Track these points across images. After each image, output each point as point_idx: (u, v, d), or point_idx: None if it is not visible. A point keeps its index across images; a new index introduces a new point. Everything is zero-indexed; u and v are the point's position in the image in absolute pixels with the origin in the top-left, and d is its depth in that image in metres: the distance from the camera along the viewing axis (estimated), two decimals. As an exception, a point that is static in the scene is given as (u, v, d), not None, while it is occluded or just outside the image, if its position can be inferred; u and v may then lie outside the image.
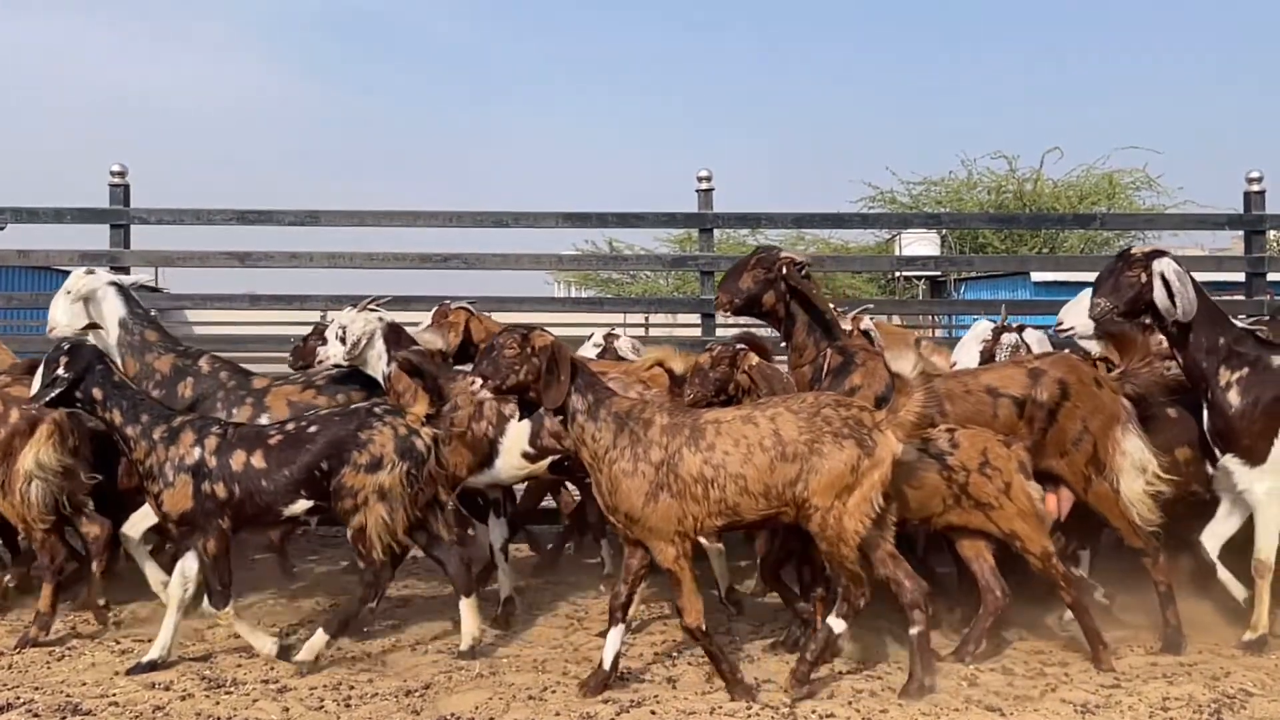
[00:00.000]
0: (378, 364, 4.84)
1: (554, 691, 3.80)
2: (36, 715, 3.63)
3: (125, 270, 7.57)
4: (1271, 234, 8.24)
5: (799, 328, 4.58)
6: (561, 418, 3.80)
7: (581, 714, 3.59)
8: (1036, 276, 18.10)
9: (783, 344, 4.79)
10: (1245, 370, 4.36)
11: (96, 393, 4.14)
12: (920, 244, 19.77)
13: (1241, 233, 8.11)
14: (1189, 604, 4.79)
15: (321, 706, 3.70)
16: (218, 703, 3.73)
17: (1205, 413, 4.46)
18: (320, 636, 4.09)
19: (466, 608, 4.32)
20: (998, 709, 3.64)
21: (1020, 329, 5.38)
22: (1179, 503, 4.63)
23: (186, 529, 4.11)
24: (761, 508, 3.68)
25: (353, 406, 4.37)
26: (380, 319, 4.90)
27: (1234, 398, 4.35)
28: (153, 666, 4.09)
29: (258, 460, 4.11)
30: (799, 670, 3.71)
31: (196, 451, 4.09)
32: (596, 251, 21.04)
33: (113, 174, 7.43)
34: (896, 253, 19.34)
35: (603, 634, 3.96)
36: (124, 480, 4.95)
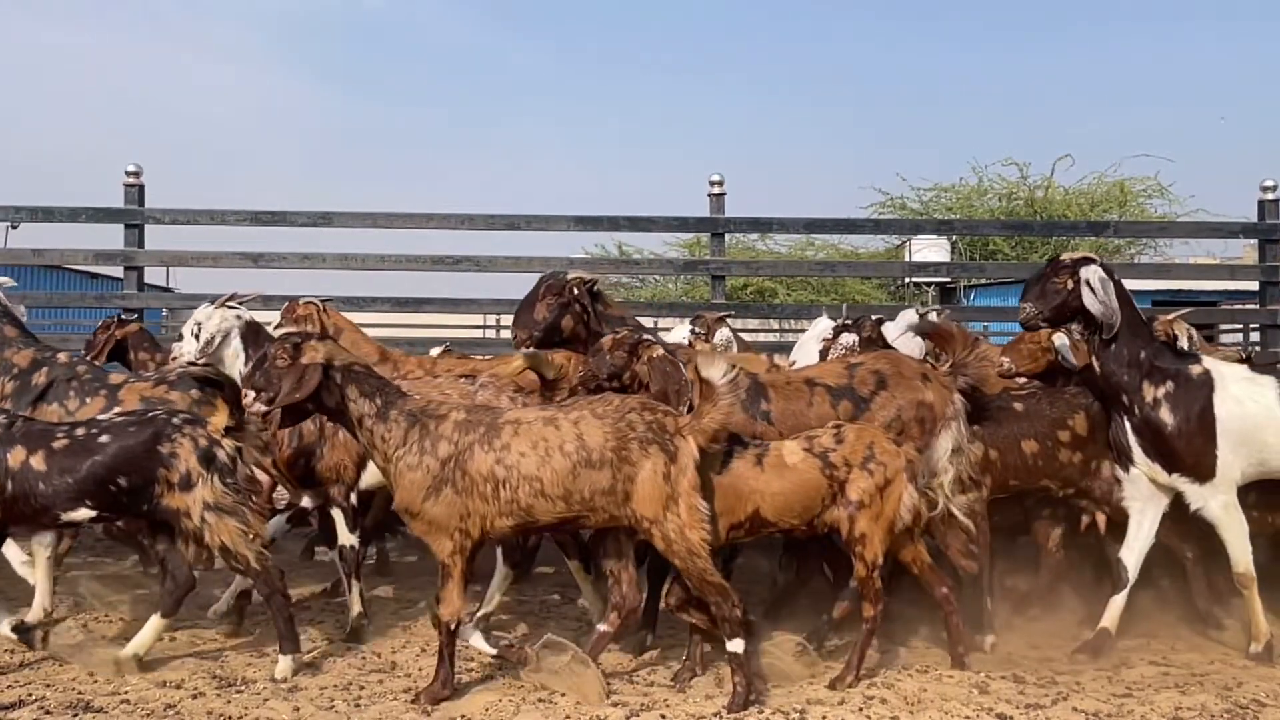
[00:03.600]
0: (234, 363, 4.61)
1: (564, 694, 3.80)
2: (48, 712, 3.64)
3: (139, 270, 7.64)
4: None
5: None
6: (340, 423, 3.78)
7: (592, 717, 3.59)
8: (1047, 284, 18.01)
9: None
10: (1170, 385, 4.31)
11: None
12: (930, 250, 19.76)
13: (1255, 241, 8.08)
14: (1187, 611, 4.78)
15: (332, 706, 3.70)
16: (229, 701, 3.74)
17: (1125, 425, 4.39)
18: (285, 661, 4.02)
19: (154, 626, 4.11)
20: (1009, 717, 3.63)
21: (880, 321, 5.43)
22: (1028, 496, 4.70)
23: None
24: (560, 511, 3.65)
25: (148, 414, 4.15)
26: (239, 317, 4.78)
27: (1166, 416, 4.29)
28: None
29: (38, 461, 3.93)
30: (732, 704, 3.63)
31: None
32: (606, 255, 21.09)
33: (128, 174, 7.48)
34: (906, 259, 19.32)
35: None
36: None
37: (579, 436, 3.63)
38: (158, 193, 7.68)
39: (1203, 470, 4.29)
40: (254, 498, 4.13)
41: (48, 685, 3.90)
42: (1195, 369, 4.36)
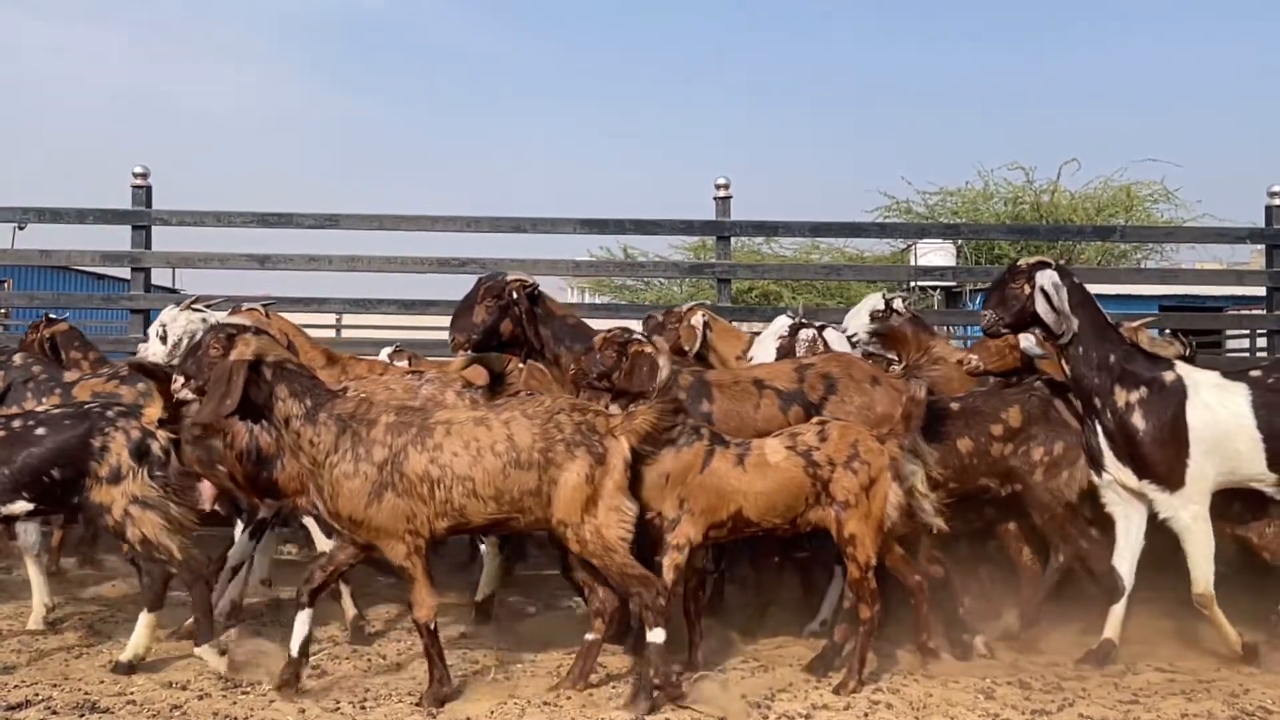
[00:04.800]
0: None
1: (569, 698, 3.80)
2: (55, 712, 3.65)
3: (146, 271, 7.65)
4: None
5: (548, 344, 4.51)
6: (265, 420, 3.73)
7: (597, 720, 3.59)
8: (1053, 288, 17.95)
9: (524, 363, 4.72)
10: (1143, 390, 4.28)
11: None
12: (936, 254, 19.71)
13: (1263, 246, 8.06)
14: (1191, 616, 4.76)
15: (338, 709, 3.70)
16: (235, 703, 3.74)
17: (1097, 429, 4.35)
18: (205, 650, 4.00)
19: (145, 623, 4.11)
20: (1014, 723, 3.62)
21: (822, 327, 5.43)
22: (969, 497, 4.64)
23: None
24: (491, 512, 3.64)
25: (84, 407, 4.18)
26: (204, 320, 4.77)
27: (1139, 421, 4.25)
28: None
29: None
30: (640, 691, 3.61)
31: None
32: (612, 258, 21.05)
33: (135, 175, 7.50)
34: (912, 262, 19.27)
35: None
36: None
37: (509, 437, 3.63)
38: (165, 194, 7.71)
39: (1174, 478, 4.24)
40: (184, 491, 4.11)
41: (54, 685, 3.90)
42: (1168, 375, 4.32)
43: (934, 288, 20.38)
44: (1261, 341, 11.69)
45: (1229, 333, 14.50)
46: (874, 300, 5.65)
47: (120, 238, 7.62)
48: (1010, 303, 4.36)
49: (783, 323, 5.46)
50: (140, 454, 4.01)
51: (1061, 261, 4.68)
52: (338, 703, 3.76)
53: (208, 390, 3.67)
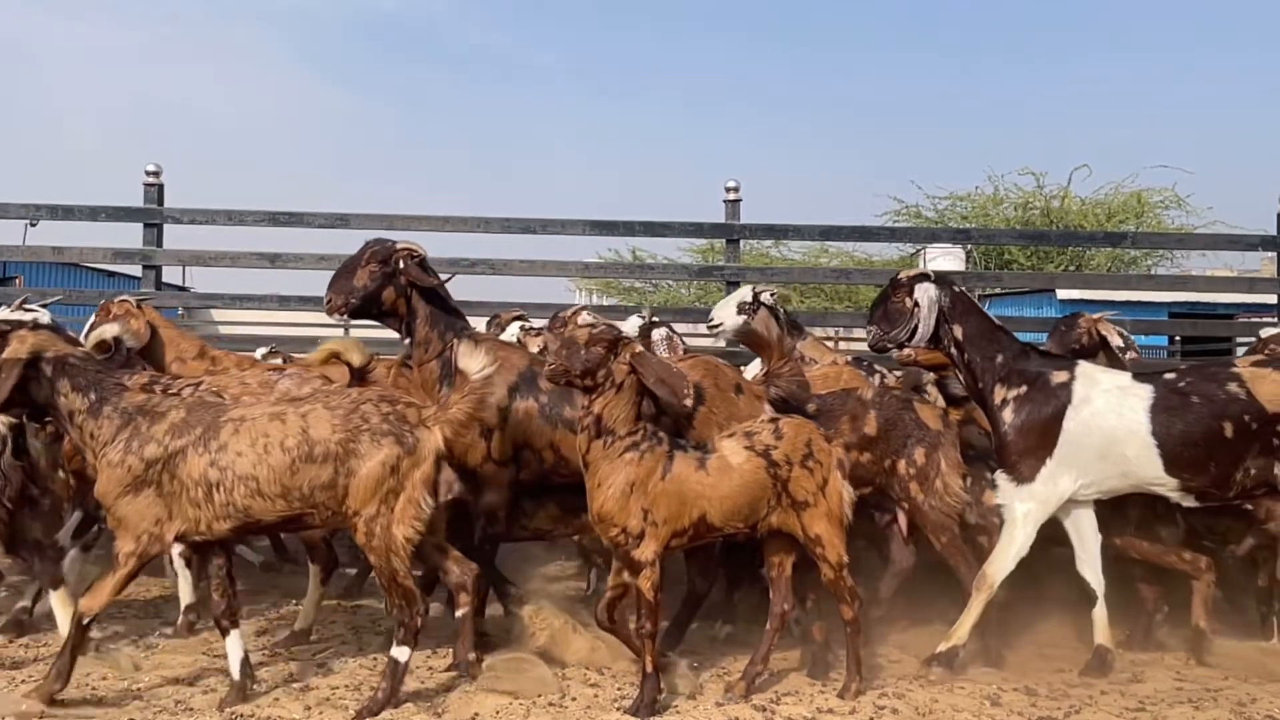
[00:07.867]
0: None
1: (574, 699, 3.80)
2: (62, 705, 3.66)
3: (157, 269, 7.69)
4: (1304, 256, 8.15)
5: (420, 322, 4.30)
6: (54, 418, 3.69)
7: (601, 722, 3.59)
8: (1062, 294, 17.98)
9: (405, 341, 4.51)
10: (1024, 388, 4.22)
11: None
12: (945, 259, 19.70)
13: (1274, 254, 8.04)
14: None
15: (343, 706, 3.71)
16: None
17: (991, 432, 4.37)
18: None
19: (56, 600, 4.15)
20: (1020, 729, 3.61)
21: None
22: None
23: None
24: (281, 510, 3.54)
25: None
26: (35, 320, 4.75)
27: (1008, 415, 4.21)
28: None
29: None
30: (369, 708, 3.59)
31: None
32: (621, 260, 21.08)
33: (147, 174, 7.54)
34: (921, 267, 19.25)
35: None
36: None
37: (304, 430, 3.53)
38: (177, 193, 7.74)
39: (1022, 473, 4.18)
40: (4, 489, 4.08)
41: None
42: (1058, 376, 4.22)
43: (943, 292, 20.33)
44: (1272, 349, 11.61)
45: (1239, 340, 14.43)
46: (743, 293, 5.59)
47: (132, 235, 7.67)
48: (894, 317, 4.34)
49: (634, 323, 5.39)
50: None
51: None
52: (344, 701, 3.77)
53: None
